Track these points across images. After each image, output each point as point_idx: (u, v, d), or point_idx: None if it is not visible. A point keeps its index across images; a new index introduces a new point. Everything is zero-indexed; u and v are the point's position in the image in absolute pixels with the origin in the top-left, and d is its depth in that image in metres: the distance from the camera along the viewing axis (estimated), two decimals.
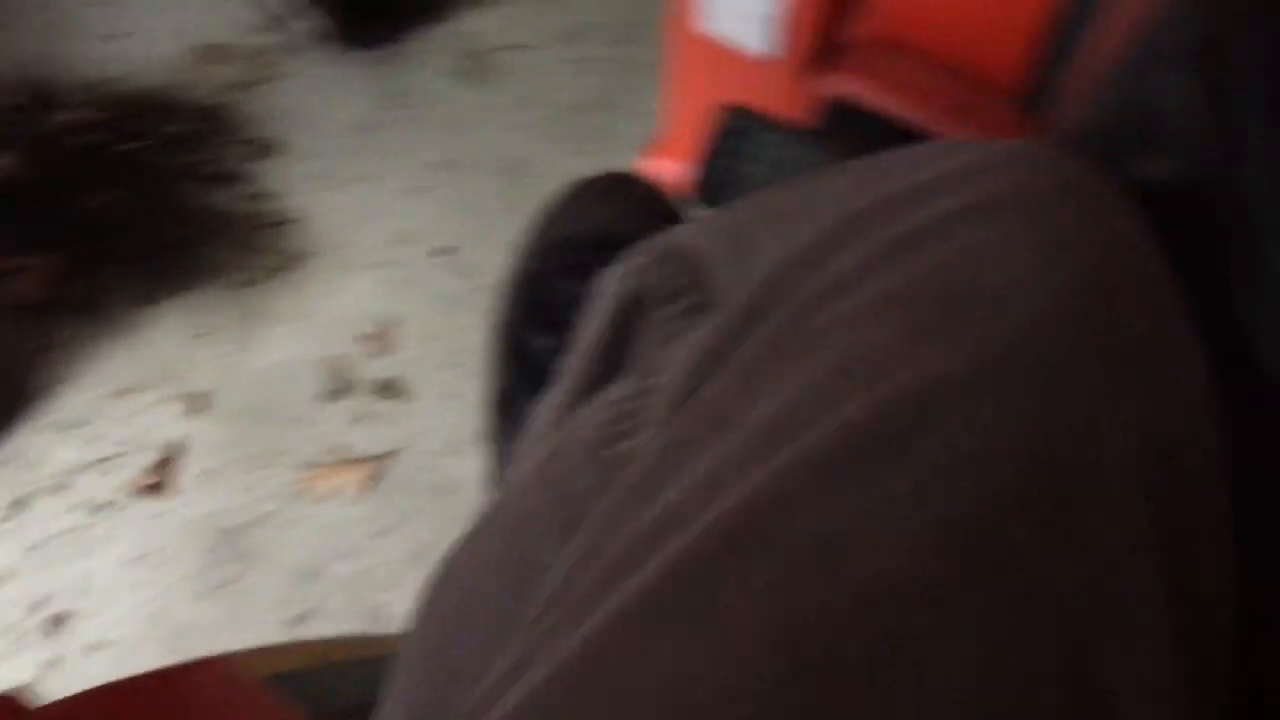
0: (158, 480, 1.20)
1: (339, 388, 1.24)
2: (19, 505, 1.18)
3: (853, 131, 0.80)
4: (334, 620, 1.11)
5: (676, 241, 0.43)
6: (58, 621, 1.12)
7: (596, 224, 0.61)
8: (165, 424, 1.24)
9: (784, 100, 0.89)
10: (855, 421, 0.26)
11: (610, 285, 0.44)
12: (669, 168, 1.10)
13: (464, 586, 0.39)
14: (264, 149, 1.43)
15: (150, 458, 1.21)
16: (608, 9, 1.50)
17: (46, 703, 0.48)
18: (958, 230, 0.30)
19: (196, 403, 1.24)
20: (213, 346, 1.28)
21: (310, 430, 1.22)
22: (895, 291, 0.29)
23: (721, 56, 0.92)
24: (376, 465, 1.19)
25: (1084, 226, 0.29)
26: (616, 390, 0.38)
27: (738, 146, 0.60)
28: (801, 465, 0.26)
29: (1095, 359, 0.27)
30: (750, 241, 0.39)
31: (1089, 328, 0.27)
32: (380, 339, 1.27)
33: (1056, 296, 0.28)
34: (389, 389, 1.23)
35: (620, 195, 0.62)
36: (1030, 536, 0.25)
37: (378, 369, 1.25)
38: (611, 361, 0.42)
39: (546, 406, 0.45)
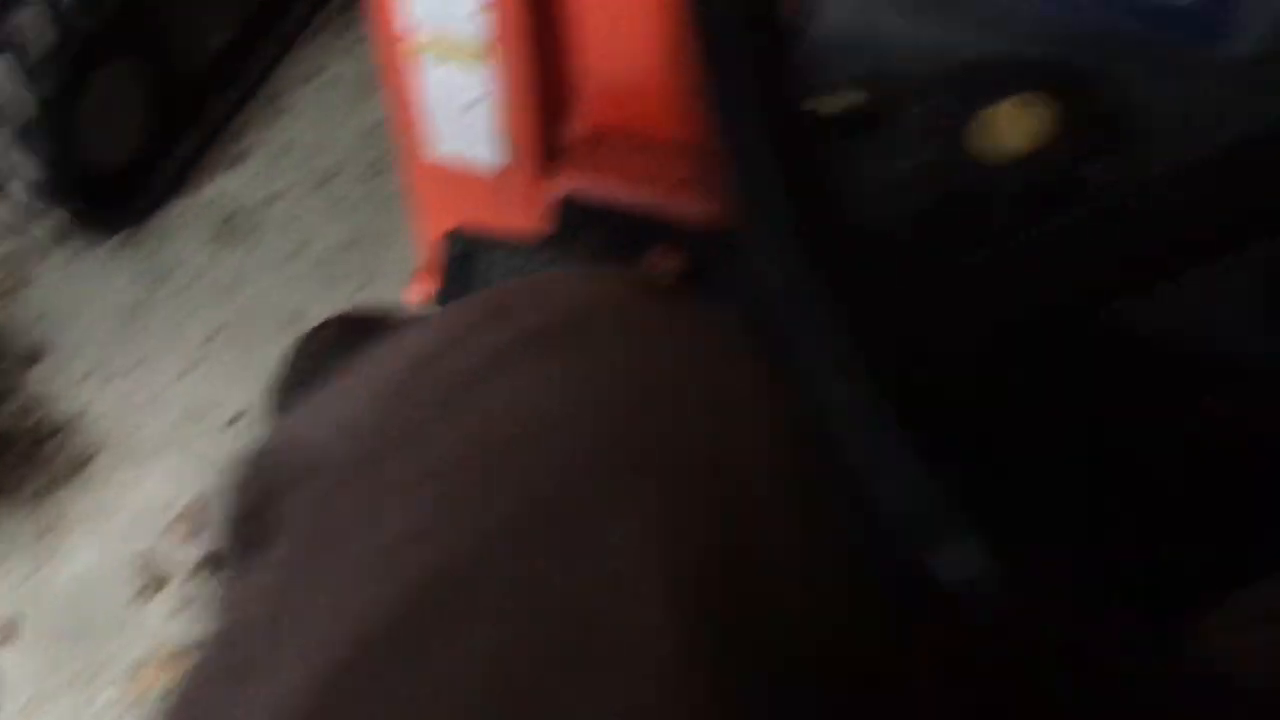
0: None
1: (154, 581, 1.19)
2: None
3: (588, 229, 0.83)
4: None
5: (270, 446, 0.41)
6: None
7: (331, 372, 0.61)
8: None
9: (522, 210, 0.92)
10: (368, 632, 0.27)
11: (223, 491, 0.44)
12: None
13: None
14: (30, 357, 1.38)
15: None
16: (350, 148, 1.51)
17: None
18: (482, 390, 0.30)
19: (3, 633, 1.17)
20: (9, 570, 1.21)
21: (133, 633, 1.17)
22: (430, 465, 0.29)
23: (457, 177, 0.95)
24: None
25: (609, 358, 0.30)
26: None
27: (466, 270, 0.62)
28: (325, 682, 0.26)
29: (621, 499, 0.28)
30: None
31: (616, 460, 0.28)
32: (188, 522, 1.23)
33: (584, 437, 0.28)
34: (206, 570, 1.19)
35: (350, 337, 0.62)
36: None
37: (191, 553, 1.21)
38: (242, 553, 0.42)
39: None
